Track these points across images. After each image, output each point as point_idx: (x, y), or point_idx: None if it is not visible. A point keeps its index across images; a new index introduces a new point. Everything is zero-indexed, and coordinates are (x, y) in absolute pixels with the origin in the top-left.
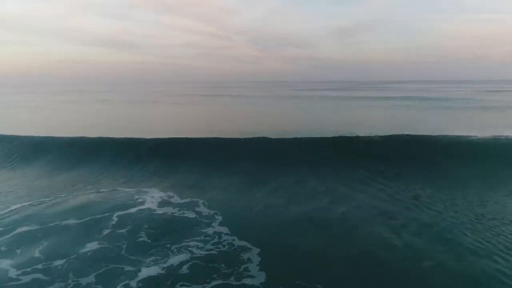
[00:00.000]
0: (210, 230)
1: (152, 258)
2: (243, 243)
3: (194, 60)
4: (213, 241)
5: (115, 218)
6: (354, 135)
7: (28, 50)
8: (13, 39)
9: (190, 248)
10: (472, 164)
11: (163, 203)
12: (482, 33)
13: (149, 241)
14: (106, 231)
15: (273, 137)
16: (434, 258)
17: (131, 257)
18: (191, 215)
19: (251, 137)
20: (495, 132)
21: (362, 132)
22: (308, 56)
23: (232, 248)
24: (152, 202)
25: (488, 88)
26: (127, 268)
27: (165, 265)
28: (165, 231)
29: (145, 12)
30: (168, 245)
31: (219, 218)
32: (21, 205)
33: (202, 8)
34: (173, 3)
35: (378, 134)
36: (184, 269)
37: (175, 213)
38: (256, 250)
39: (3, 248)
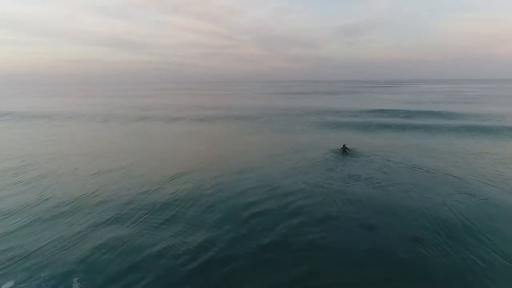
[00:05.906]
0: None
1: None
2: None
3: (199, 59)
4: None
5: None
6: None
7: (34, 50)
8: (18, 40)
9: None
10: None
11: None
12: (488, 32)
13: None
14: None
15: None
16: None
17: None
18: None
19: None
20: None
21: None
22: (313, 55)
23: None
24: None
25: None
26: None
27: None
28: None
29: (150, 12)
30: None
31: None
32: None
33: (207, 8)
34: (178, 3)
35: None
36: None
37: None
38: None
39: None
